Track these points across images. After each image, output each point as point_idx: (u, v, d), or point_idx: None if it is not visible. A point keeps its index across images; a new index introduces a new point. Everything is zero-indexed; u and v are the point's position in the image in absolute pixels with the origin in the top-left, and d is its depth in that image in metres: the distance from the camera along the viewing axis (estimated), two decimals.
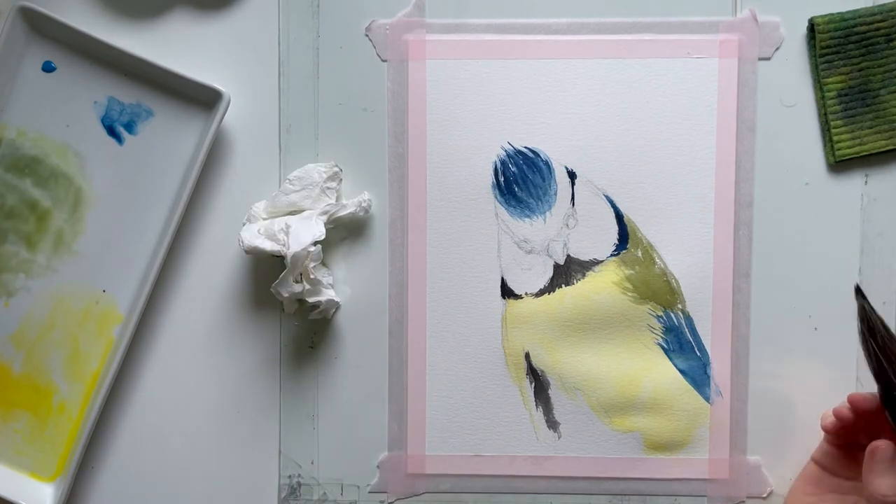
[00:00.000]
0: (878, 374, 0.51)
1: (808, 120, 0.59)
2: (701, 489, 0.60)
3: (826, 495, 0.55)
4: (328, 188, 0.58)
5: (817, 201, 0.59)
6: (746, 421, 0.59)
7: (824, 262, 0.59)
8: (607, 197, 0.59)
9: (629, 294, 0.59)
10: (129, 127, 0.60)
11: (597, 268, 0.59)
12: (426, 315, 0.60)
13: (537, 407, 0.60)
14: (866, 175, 0.59)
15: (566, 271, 0.59)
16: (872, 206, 0.59)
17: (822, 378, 0.59)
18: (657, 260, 0.59)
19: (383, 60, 0.59)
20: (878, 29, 0.57)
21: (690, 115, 0.58)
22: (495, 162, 0.59)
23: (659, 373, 0.59)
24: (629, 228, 0.59)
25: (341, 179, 0.59)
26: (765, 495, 0.60)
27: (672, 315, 0.59)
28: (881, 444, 0.51)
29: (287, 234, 0.56)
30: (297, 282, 0.57)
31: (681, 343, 0.59)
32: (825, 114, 0.58)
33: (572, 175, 0.59)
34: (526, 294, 0.59)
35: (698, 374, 0.59)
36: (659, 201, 0.59)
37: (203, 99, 0.58)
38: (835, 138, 0.58)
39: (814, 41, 0.58)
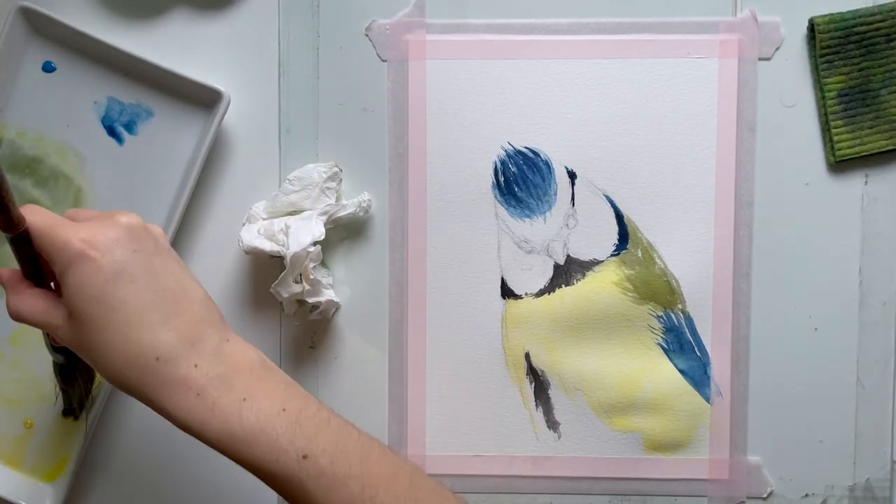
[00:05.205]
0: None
1: (808, 120, 0.59)
2: (701, 489, 0.60)
3: None
4: (328, 188, 0.58)
5: (817, 201, 0.59)
6: (746, 421, 0.59)
7: (824, 262, 0.59)
8: (607, 197, 0.59)
9: (629, 294, 0.59)
10: (129, 127, 0.60)
11: (597, 268, 0.59)
12: (426, 315, 0.60)
13: (537, 407, 0.60)
14: (866, 175, 0.59)
15: (566, 271, 0.59)
16: (872, 206, 0.59)
17: (822, 378, 0.59)
18: (657, 260, 0.59)
19: (383, 60, 0.59)
20: (878, 29, 0.57)
21: (690, 115, 0.58)
22: (495, 162, 0.59)
23: (659, 373, 0.59)
24: (629, 228, 0.59)
25: (341, 179, 0.59)
26: (765, 495, 0.60)
27: (672, 315, 0.59)
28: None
29: (287, 234, 0.56)
30: (296, 282, 0.57)
31: (681, 343, 0.59)
32: (825, 114, 0.58)
33: (572, 175, 0.59)
34: (526, 294, 0.59)
35: (698, 374, 0.59)
36: (659, 201, 0.59)
37: (203, 99, 0.58)
38: (835, 138, 0.58)
39: (814, 41, 0.58)
